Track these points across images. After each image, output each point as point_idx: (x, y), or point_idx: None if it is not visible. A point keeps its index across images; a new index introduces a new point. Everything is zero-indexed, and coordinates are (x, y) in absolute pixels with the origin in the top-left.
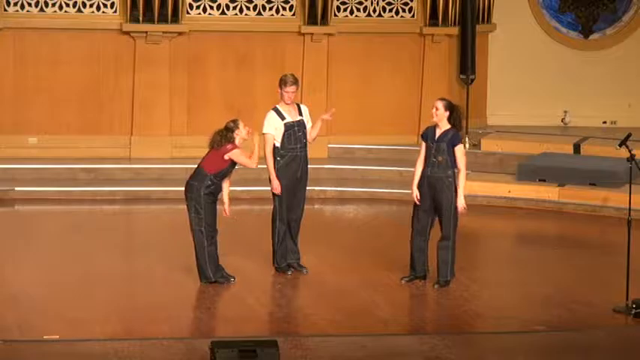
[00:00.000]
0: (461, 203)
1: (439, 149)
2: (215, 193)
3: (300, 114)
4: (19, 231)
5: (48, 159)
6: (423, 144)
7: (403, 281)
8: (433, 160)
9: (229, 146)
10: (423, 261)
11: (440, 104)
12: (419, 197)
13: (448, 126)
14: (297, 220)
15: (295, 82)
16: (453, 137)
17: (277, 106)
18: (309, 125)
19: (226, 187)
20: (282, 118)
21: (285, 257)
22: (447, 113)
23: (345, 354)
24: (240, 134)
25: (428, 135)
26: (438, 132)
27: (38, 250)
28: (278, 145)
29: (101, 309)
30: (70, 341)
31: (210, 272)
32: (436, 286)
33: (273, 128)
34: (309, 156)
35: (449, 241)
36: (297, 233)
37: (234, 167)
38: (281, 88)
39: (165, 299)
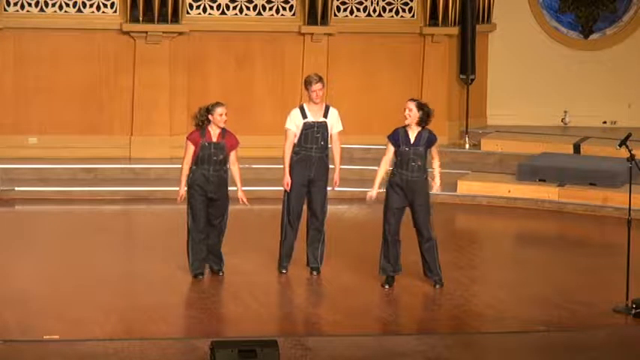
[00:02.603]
0: (437, 185)
1: (417, 153)
2: (201, 183)
3: (326, 116)
4: (19, 231)
5: (48, 159)
6: (392, 147)
7: (386, 287)
8: (412, 165)
9: (192, 133)
10: (397, 257)
11: (413, 105)
12: (374, 198)
13: (419, 127)
14: (316, 224)
15: (320, 79)
16: (430, 139)
17: (304, 104)
18: (336, 129)
19: (235, 171)
20: (305, 116)
21: (288, 256)
22: (420, 113)
23: (345, 354)
24: (214, 120)
25: (400, 138)
26: (412, 135)
27: (38, 250)
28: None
29: (101, 309)
30: (70, 341)
31: (192, 266)
32: (437, 287)
33: (294, 125)
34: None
35: (432, 240)
36: (316, 238)
37: (214, 148)
38: (307, 89)
39: (165, 299)
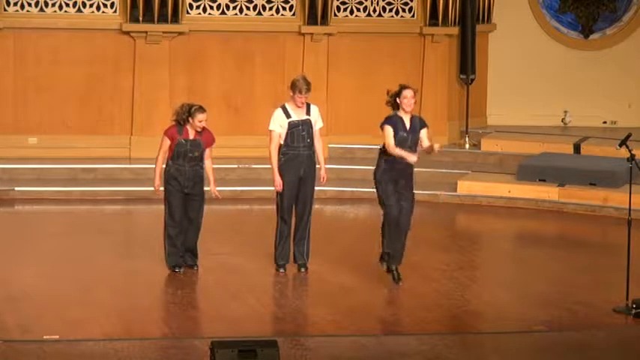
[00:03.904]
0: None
1: (414, 139)
2: (178, 179)
3: (308, 113)
4: (19, 231)
5: (48, 159)
6: (392, 130)
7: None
8: (408, 150)
9: (170, 128)
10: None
11: (412, 92)
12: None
13: (410, 113)
14: (302, 222)
15: (309, 89)
16: (421, 122)
17: (286, 104)
18: (318, 125)
19: (208, 166)
20: (288, 116)
21: (284, 256)
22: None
23: (345, 354)
24: (193, 124)
25: (397, 125)
26: (407, 121)
27: (38, 250)
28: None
29: (101, 309)
30: (70, 341)
31: (168, 260)
32: (400, 283)
33: (278, 126)
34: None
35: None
36: (302, 235)
37: (191, 145)
38: (293, 93)
39: (165, 299)
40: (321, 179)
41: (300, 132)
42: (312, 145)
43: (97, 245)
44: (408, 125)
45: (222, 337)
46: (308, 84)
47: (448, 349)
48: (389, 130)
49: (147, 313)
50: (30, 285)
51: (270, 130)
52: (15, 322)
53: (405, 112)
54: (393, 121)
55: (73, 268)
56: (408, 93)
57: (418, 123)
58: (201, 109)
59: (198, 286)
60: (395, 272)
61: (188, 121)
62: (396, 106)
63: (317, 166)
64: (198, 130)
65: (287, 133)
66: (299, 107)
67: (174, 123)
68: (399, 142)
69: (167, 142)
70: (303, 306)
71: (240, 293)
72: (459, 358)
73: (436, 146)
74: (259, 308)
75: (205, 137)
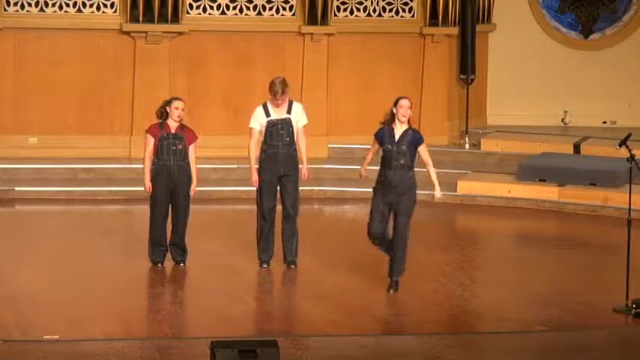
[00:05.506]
0: (439, 194)
1: (400, 152)
2: (165, 175)
3: (289, 112)
4: (19, 231)
5: (48, 159)
6: (376, 144)
7: (391, 292)
8: (395, 164)
9: (151, 126)
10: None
11: (409, 102)
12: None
13: (406, 125)
14: (289, 219)
15: (284, 91)
16: (415, 138)
17: (267, 102)
18: (301, 123)
19: (192, 166)
20: (268, 115)
21: (267, 252)
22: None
23: (345, 354)
24: (170, 112)
25: (385, 137)
26: (397, 133)
27: (38, 250)
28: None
29: (101, 309)
30: (70, 341)
31: (152, 255)
32: (391, 291)
33: (257, 124)
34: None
35: (404, 237)
36: (290, 234)
37: (173, 138)
38: (270, 93)
39: (164, 299)
40: (303, 176)
41: (278, 130)
42: (292, 143)
43: (97, 245)
44: (397, 137)
45: (222, 337)
46: (284, 86)
47: (448, 349)
48: (373, 142)
49: (147, 313)
50: (30, 285)
51: (250, 128)
52: (15, 322)
53: (400, 122)
54: (381, 133)
55: (73, 268)
56: (404, 103)
57: (411, 137)
58: (178, 98)
59: (199, 286)
60: (393, 282)
61: (167, 112)
62: (392, 119)
63: (300, 165)
64: (177, 120)
65: (266, 132)
66: (278, 107)
67: (156, 121)
68: (385, 154)
69: (151, 140)
70: (303, 306)
71: (240, 293)
72: (459, 358)
73: (437, 194)
74: (259, 308)
75: (187, 133)
